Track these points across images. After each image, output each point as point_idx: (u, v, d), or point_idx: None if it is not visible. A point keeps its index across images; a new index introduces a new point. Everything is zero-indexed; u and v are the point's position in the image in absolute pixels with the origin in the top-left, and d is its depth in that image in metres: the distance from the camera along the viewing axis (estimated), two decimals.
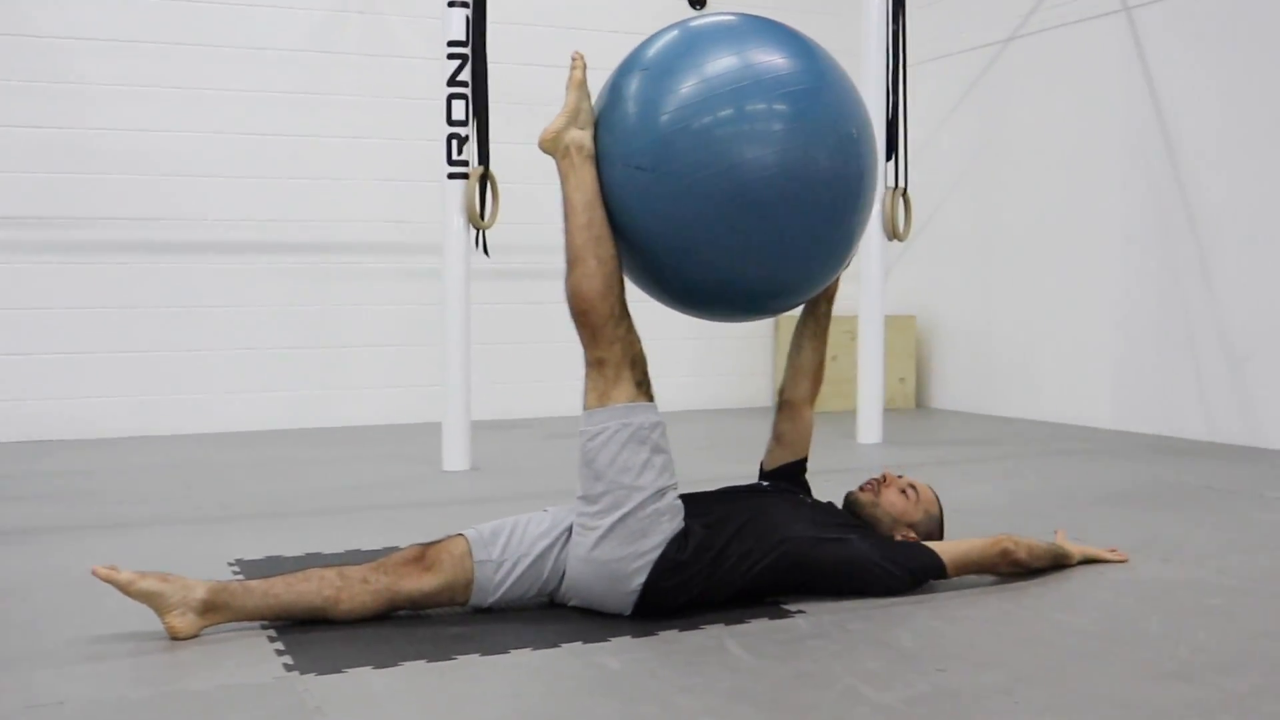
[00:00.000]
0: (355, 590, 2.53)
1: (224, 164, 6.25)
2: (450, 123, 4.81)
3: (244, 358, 6.33)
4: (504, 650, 2.40)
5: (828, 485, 3.28)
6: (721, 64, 2.58)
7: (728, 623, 2.58)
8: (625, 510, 2.54)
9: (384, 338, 6.61)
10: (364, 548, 3.33)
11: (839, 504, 2.98)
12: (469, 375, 4.97)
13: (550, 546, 2.62)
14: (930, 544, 2.86)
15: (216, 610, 2.47)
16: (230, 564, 3.18)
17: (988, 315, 7.15)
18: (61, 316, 5.97)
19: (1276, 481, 4.56)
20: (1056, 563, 3.04)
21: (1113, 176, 6.27)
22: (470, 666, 2.32)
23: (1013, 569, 2.94)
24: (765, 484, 3.01)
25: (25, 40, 5.89)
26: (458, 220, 4.85)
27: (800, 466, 3.05)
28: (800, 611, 2.67)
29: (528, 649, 2.41)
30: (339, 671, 2.27)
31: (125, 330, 6.09)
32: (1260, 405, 5.54)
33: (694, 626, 2.55)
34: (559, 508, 2.71)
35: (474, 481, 4.70)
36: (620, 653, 2.39)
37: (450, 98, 4.80)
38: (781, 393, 3.07)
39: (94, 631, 2.53)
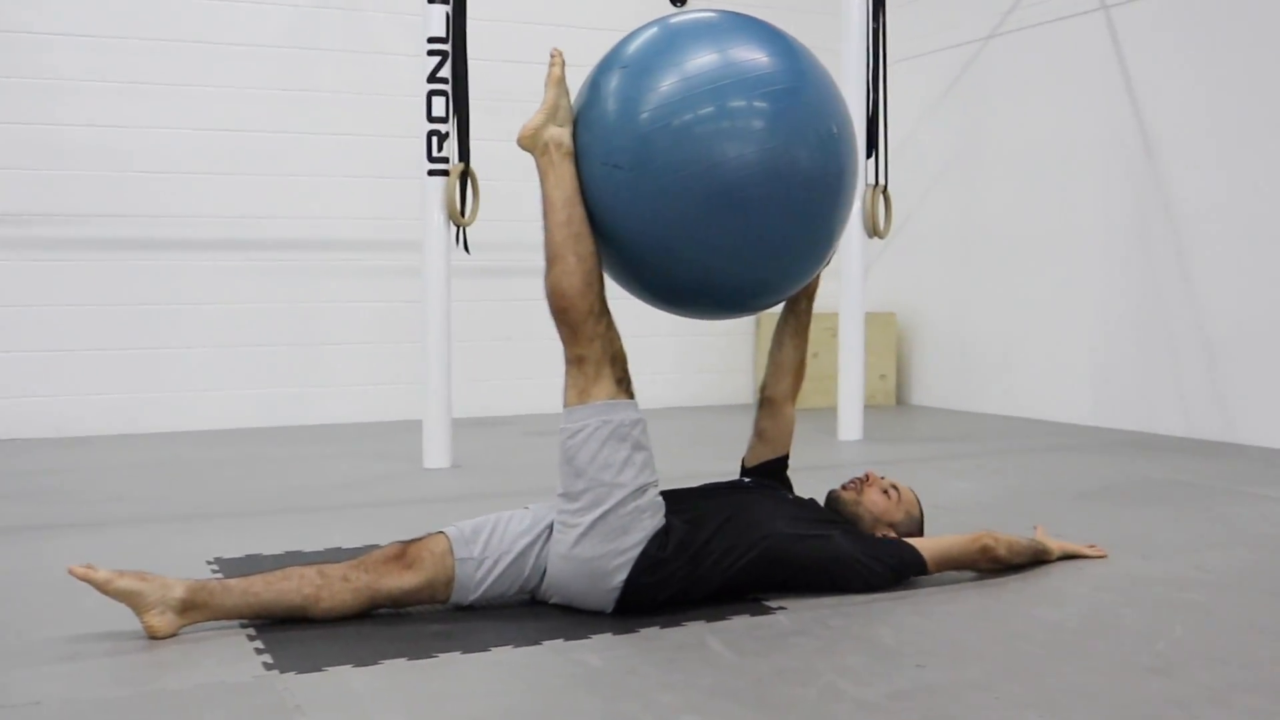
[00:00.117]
0: (335, 588, 2.52)
1: (202, 160, 6.21)
2: (431, 119, 4.79)
3: (223, 355, 6.30)
4: (485, 648, 2.40)
5: (809, 482, 3.29)
6: (701, 61, 2.57)
7: (709, 619, 2.58)
8: (606, 507, 2.54)
9: (364, 335, 6.59)
10: (344, 546, 3.32)
11: (820, 501, 2.99)
12: (450, 372, 4.96)
13: (531, 544, 2.62)
14: (911, 540, 2.88)
15: (195, 609, 2.46)
16: (209, 562, 3.16)
17: (968, 312, 7.18)
18: (39, 314, 5.93)
19: (1253, 477, 4.59)
20: (1036, 558, 3.05)
21: (1092, 174, 6.30)
22: (451, 664, 2.32)
23: (993, 565, 2.95)
24: (747, 480, 3.01)
25: (0, 35, 5.84)
26: (438, 217, 4.84)
27: (782, 463, 3.06)
28: (781, 608, 2.67)
29: (509, 647, 2.41)
30: (319, 670, 2.26)
31: (103, 328, 6.05)
32: (1236, 402, 5.58)
33: (675, 623, 2.55)
34: (540, 505, 2.71)
35: (455, 479, 4.69)
36: (601, 650, 2.39)
37: (430, 94, 4.79)
38: (763, 389, 3.08)
39: (71, 631, 2.51)
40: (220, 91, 6.24)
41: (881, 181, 5.77)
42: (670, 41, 2.65)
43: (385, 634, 2.49)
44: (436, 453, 4.93)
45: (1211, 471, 4.73)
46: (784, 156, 2.55)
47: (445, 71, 4.78)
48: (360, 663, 2.30)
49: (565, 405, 2.62)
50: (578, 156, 2.66)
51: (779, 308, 3.04)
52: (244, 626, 2.52)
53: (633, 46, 2.68)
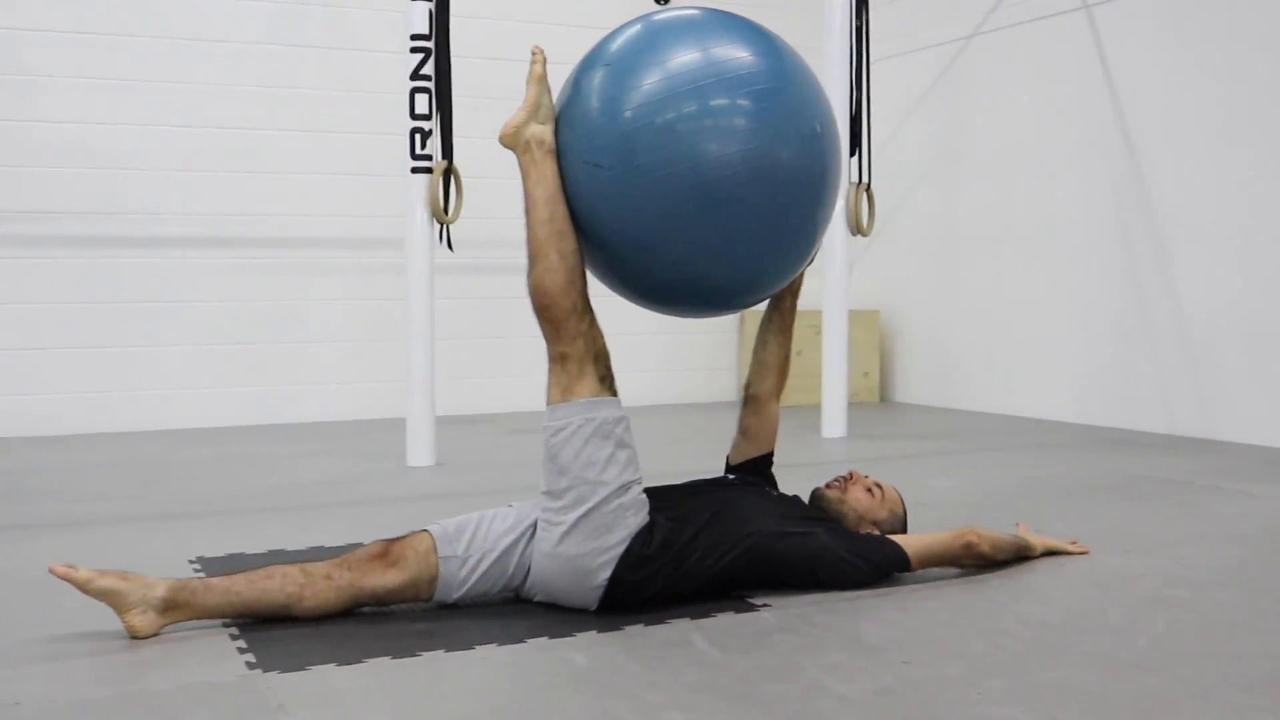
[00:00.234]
0: (318, 587, 2.51)
1: (182, 157, 6.18)
2: (414, 117, 4.78)
3: (205, 353, 6.27)
4: (469, 646, 2.39)
5: (793, 479, 3.29)
6: (685, 60, 2.57)
7: (694, 617, 2.58)
8: (590, 505, 2.54)
9: (347, 333, 6.57)
10: (327, 544, 3.31)
11: (805, 498, 2.99)
12: (433, 370, 4.95)
13: (515, 542, 2.62)
14: (894, 537, 2.89)
15: (177, 608, 2.44)
16: (191, 561, 3.15)
17: (951, 310, 7.20)
18: (16, 311, 5.89)
19: (1233, 474, 4.62)
20: (1019, 555, 3.06)
21: (1074, 172, 6.33)
22: (435, 663, 2.31)
23: (976, 561, 2.96)
24: (731, 478, 3.02)
25: None
26: (421, 214, 4.83)
27: (766, 460, 3.07)
28: (766, 605, 2.68)
29: (493, 645, 2.40)
30: (302, 669, 2.25)
31: (82, 326, 6.01)
32: (1217, 399, 5.61)
33: (660, 621, 2.55)
34: (524, 503, 2.70)
35: (438, 477, 4.68)
36: (586, 648, 2.39)
37: (413, 92, 4.78)
38: (747, 387, 3.08)
39: (52, 631, 2.49)
40: (201, 88, 6.21)
41: (865, 179, 5.78)
42: (653, 39, 2.64)
43: (369, 633, 2.48)
44: (420, 451, 4.92)
45: (1192, 468, 4.76)
46: (767, 155, 2.55)
47: (428, 69, 4.77)
48: (343, 662, 2.29)
49: (548, 403, 2.62)
50: (560, 154, 2.65)
51: (763, 305, 3.04)
52: (226, 626, 2.51)
53: (615, 44, 2.67)
